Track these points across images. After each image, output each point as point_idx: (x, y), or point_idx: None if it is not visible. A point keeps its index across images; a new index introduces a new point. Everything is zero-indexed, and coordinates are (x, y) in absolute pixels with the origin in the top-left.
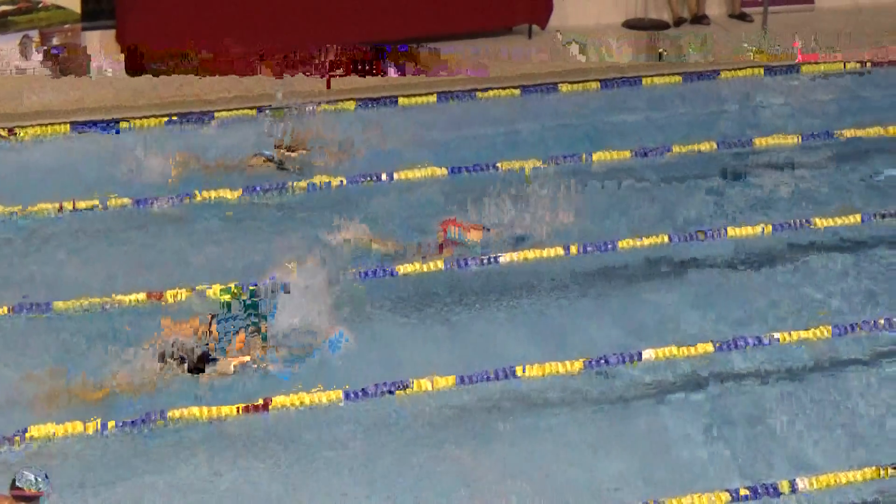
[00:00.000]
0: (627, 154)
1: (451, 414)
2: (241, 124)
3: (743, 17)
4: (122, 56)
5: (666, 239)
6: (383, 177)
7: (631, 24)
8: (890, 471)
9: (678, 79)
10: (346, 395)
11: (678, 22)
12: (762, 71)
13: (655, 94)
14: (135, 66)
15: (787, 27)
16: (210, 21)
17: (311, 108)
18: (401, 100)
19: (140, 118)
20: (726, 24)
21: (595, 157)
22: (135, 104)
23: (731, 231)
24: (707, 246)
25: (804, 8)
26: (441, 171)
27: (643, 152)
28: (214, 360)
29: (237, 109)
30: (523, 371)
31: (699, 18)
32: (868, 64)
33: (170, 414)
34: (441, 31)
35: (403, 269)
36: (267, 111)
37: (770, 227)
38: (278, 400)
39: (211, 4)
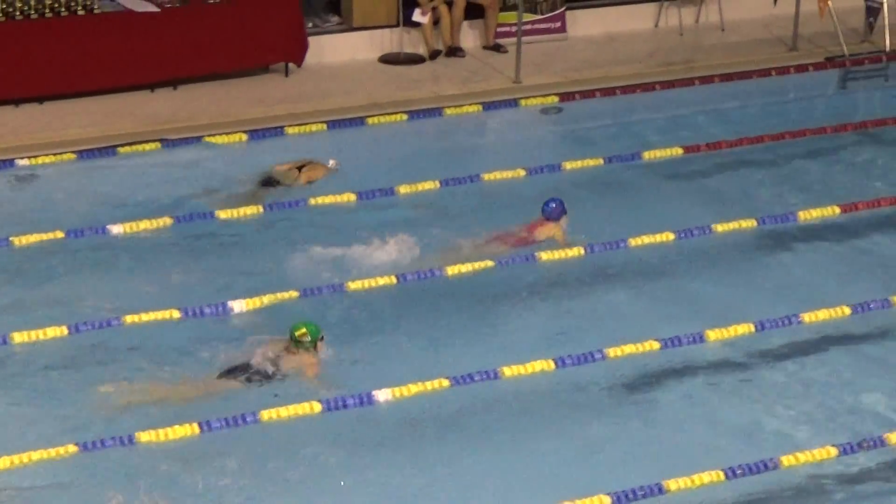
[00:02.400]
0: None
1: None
2: None
3: (497, 49)
4: None
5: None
6: None
7: (387, 60)
8: None
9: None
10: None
11: (433, 55)
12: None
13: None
14: None
15: (542, 56)
16: None
17: None
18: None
19: None
20: (481, 56)
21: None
22: None
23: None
24: None
25: (557, 38)
26: None
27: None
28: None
29: None
30: None
31: (454, 51)
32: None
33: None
34: (196, 73)
35: None
36: None
37: None
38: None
39: None
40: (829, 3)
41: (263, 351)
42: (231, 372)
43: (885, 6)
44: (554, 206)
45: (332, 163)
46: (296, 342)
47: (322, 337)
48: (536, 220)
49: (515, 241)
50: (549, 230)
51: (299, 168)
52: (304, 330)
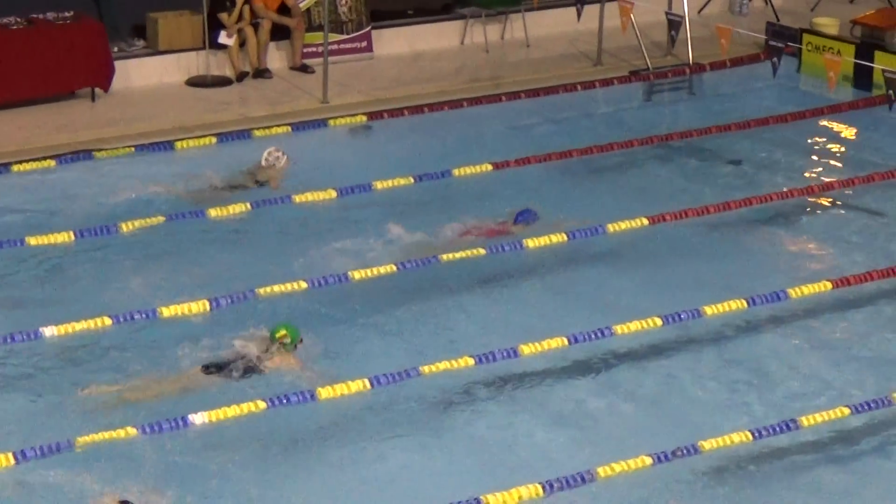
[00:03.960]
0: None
1: None
2: None
3: (304, 69)
4: None
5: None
6: None
7: (194, 83)
8: None
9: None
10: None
11: (241, 77)
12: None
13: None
14: None
15: (349, 76)
16: None
17: None
18: None
19: None
20: (288, 77)
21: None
22: None
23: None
24: None
25: (364, 57)
26: None
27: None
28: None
29: None
30: None
31: (261, 72)
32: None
33: None
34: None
35: None
36: None
37: None
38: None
39: None
40: (632, 17)
41: (246, 348)
42: (213, 368)
43: (687, 20)
44: (526, 215)
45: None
46: (276, 343)
47: (301, 339)
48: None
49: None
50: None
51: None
52: (283, 332)
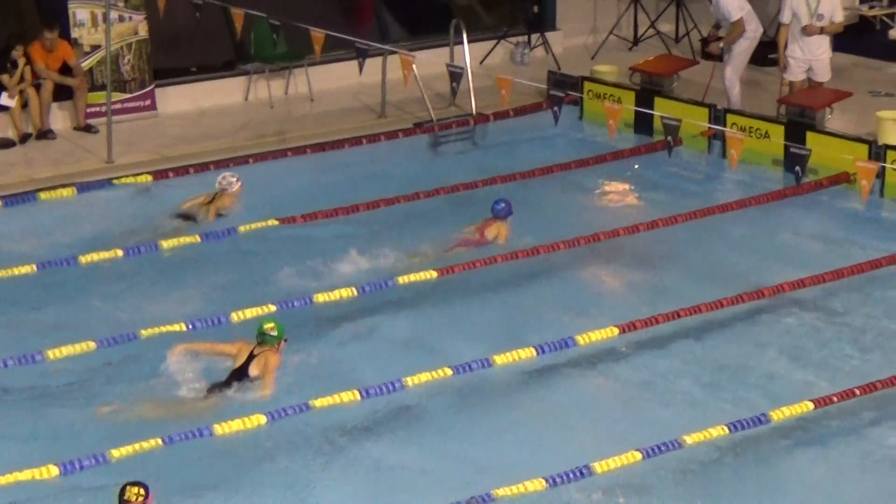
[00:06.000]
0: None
1: None
2: None
3: (88, 129)
4: None
5: None
6: None
7: None
8: None
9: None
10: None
11: (24, 138)
12: None
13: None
14: None
15: (134, 135)
16: None
17: None
18: None
19: None
20: (72, 137)
21: None
22: None
23: None
24: None
25: (148, 115)
26: None
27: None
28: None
29: None
30: None
31: (45, 133)
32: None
33: None
34: None
35: None
36: None
37: None
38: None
39: None
40: (414, 69)
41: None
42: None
43: (469, 70)
44: (503, 205)
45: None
46: (262, 336)
47: (286, 339)
48: (485, 221)
49: (469, 243)
50: (496, 229)
51: (209, 202)
52: (272, 324)
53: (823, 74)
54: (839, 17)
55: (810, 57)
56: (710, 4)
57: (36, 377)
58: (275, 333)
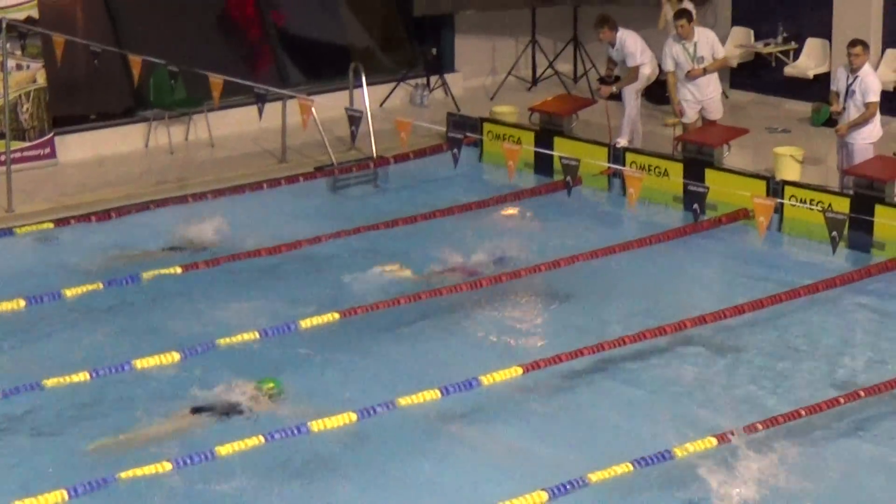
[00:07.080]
0: None
1: None
2: None
3: None
4: None
5: None
6: None
7: None
8: None
9: None
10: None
11: None
12: None
13: None
14: None
15: (34, 183)
16: None
17: None
18: None
19: None
20: None
21: None
22: None
23: None
24: None
25: (48, 164)
26: None
27: None
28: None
29: None
30: None
31: None
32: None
33: None
34: None
35: None
36: None
37: None
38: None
39: None
40: (313, 113)
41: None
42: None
43: (368, 113)
44: None
45: None
46: (263, 393)
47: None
48: None
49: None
50: None
51: None
52: (272, 385)
53: (715, 112)
54: (720, 52)
55: (700, 97)
56: (612, 49)
57: None
58: (275, 392)
